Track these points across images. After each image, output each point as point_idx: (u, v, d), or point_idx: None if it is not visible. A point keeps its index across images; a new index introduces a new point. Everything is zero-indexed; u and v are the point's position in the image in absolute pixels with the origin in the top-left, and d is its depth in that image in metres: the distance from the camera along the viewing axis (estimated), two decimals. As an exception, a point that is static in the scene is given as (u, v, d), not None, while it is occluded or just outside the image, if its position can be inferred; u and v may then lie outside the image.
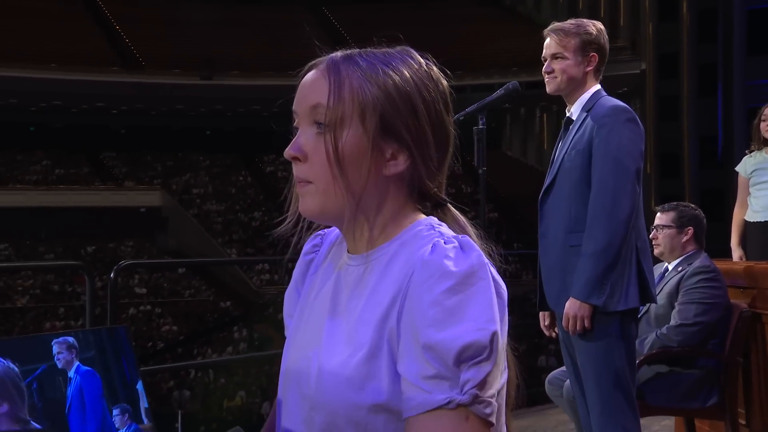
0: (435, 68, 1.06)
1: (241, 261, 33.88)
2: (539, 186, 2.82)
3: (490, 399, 0.91)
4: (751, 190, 4.27)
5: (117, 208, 31.72)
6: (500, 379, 0.95)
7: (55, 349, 1.12)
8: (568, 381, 3.04)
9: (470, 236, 1.04)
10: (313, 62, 1.06)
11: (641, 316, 3.15)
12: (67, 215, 30.17)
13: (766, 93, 21.50)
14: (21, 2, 33.53)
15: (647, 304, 3.07)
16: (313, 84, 1.03)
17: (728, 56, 29.44)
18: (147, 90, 33.28)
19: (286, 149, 1.04)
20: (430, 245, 0.97)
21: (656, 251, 3.39)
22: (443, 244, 0.96)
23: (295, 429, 1.03)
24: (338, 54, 1.05)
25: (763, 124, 4.21)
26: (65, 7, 35.62)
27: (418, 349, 0.91)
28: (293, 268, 1.19)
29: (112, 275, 3.52)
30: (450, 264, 0.93)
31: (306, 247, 1.16)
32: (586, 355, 2.65)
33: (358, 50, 1.06)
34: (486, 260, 0.96)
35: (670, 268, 3.48)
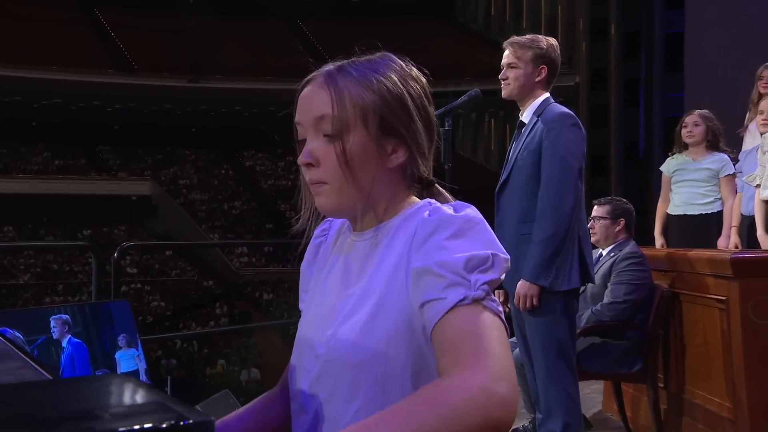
0: (414, 68, 1.07)
1: (227, 244, 33.52)
2: (487, 182, 2.83)
3: (498, 301, 0.92)
4: (672, 187, 4.31)
5: (111, 196, 31.22)
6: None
7: (52, 323, 1.17)
8: (516, 350, 3.08)
9: None
10: (310, 77, 1.03)
11: (579, 295, 3.21)
12: (65, 202, 29.60)
13: (681, 104, 21.89)
14: (24, 9, 32.75)
15: (585, 285, 3.12)
16: (314, 97, 1.01)
17: (649, 72, 29.87)
18: (139, 91, 32.75)
19: (299, 157, 1.02)
20: (428, 209, 0.98)
21: (593, 239, 3.43)
22: (440, 205, 0.98)
23: (308, 386, 1.03)
24: (331, 67, 1.03)
25: (684, 131, 4.25)
26: (65, 15, 34.89)
27: (432, 273, 0.91)
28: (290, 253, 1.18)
29: (115, 255, 3.47)
30: (449, 211, 0.94)
31: (316, 232, 1.15)
32: (534, 328, 2.68)
33: (346, 61, 1.04)
34: (480, 216, 0.96)
35: (604, 253, 3.54)
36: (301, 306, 1.15)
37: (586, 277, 2.71)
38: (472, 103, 2.75)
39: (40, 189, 29.98)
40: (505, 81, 2.74)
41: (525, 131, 2.74)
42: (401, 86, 1.02)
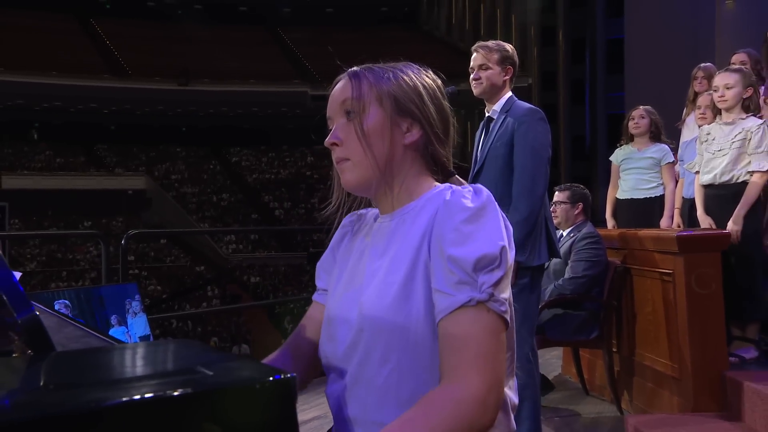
0: (430, 71, 1.10)
1: (218, 231, 33.21)
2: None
3: (503, 299, 0.91)
4: (621, 174, 4.35)
5: (108, 190, 30.79)
6: (509, 290, 0.94)
7: (57, 306, 1.21)
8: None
9: None
10: (338, 78, 1.07)
11: (544, 271, 3.22)
12: (66, 196, 29.11)
13: (622, 102, 22.08)
14: (26, 20, 32.02)
15: (551, 260, 3.13)
16: (339, 89, 1.06)
17: (593, 74, 30.12)
18: (133, 94, 32.27)
19: (326, 140, 1.04)
20: (449, 192, 0.98)
21: (555, 221, 3.47)
22: (460, 189, 0.98)
23: (342, 354, 1.01)
24: (356, 67, 1.08)
25: (630, 123, 4.30)
26: (64, 25, 34.20)
27: (444, 263, 0.92)
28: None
29: (123, 242, 3.42)
30: (467, 201, 0.94)
31: (344, 221, 1.15)
32: None
33: (370, 64, 1.08)
34: (494, 200, 0.96)
35: (564, 234, 3.57)
36: (318, 283, 1.14)
37: (553, 252, 2.73)
38: (451, 99, 2.71)
39: (43, 185, 29.44)
40: (478, 81, 2.73)
41: (494, 125, 2.73)
42: (415, 78, 1.06)
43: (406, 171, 1.04)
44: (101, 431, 0.41)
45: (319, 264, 1.15)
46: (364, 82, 1.03)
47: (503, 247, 0.92)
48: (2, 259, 0.59)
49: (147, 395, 0.43)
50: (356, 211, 1.14)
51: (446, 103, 1.08)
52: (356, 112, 1.02)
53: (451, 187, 1.02)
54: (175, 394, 0.43)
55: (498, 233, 0.92)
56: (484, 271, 0.90)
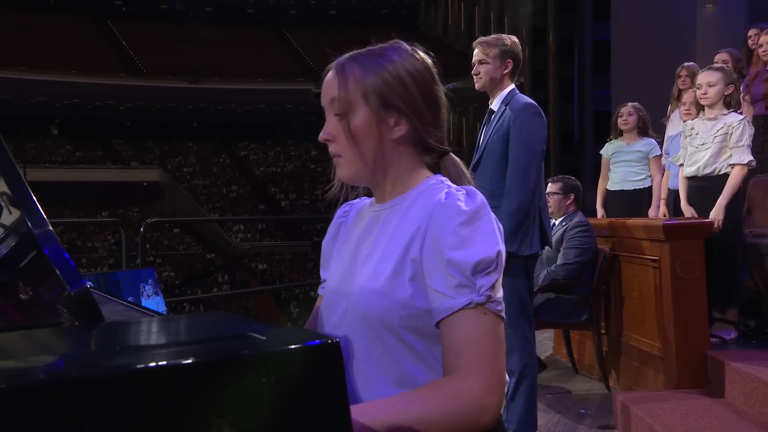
0: (420, 51, 1.03)
1: (227, 220, 33.19)
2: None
3: (498, 299, 0.90)
4: (611, 167, 4.36)
5: (125, 182, 30.74)
6: (501, 289, 0.93)
7: None
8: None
9: (468, 179, 1.03)
10: (330, 65, 1.01)
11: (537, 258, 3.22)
12: (85, 188, 29.07)
13: (608, 100, 22.00)
14: (46, 22, 31.90)
15: (543, 248, 3.13)
16: (328, 83, 1.00)
17: (582, 73, 29.98)
18: (147, 91, 32.18)
19: (320, 134, 1.01)
20: (444, 192, 0.95)
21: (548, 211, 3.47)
22: (455, 191, 0.95)
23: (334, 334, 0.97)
24: (345, 56, 1.01)
25: (619, 120, 4.30)
26: (83, 27, 34.06)
27: (443, 266, 0.90)
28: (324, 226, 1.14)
29: (142, 230, 3.41)
30: (462, 204, 0.91)
31: (338, 212, 1.12)
32: None
33: (361, 50, 1.02)
34: (486, 202, 0.93)
35: (557, 223, 3.58)
36: (322, 274, 1.12)
37: (545, 242, 2.71)
38: (451, 94, 2.69)
39: (63, 177, 29.40)
40: (477, 76, 2.68)
41: (494, 118, 2.69)
42: (401, 66, 0.99)
43: (397, 165, 1.00)
44: (170, 388, 0.41)
45: (321, 255, 1.13)
46: (350, 78, 0.98)
47: (499, 251, 0.91)
48: (54, 235, 0.59)
49: (214, 356, 0.42)
50: (349, 202, 1.11)
51: (437, 86, 1.01)
52: (343, 113, 0.98)
53: (442, 182, 0.99)
54: (242, 353, 0.43)
55: (494, 237, 0.91)
56: (482, 275, 0.89)
